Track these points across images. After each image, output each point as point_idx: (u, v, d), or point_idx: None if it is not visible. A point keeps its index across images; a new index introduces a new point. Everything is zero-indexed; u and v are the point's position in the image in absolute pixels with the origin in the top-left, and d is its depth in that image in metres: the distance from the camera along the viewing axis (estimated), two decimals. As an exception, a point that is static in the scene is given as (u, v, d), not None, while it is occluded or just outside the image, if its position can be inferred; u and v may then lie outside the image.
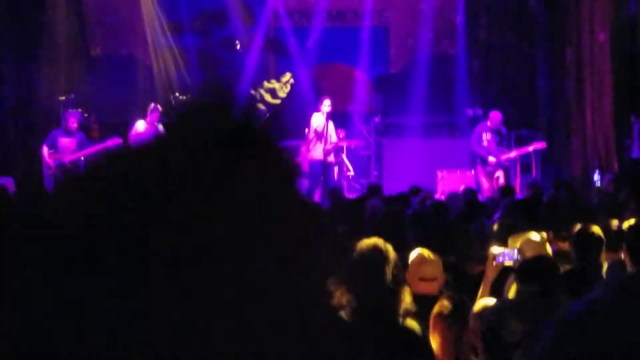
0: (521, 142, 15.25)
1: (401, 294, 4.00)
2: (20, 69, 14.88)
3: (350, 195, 12.84)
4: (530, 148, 13.83)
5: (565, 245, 6.09)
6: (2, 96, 14.63)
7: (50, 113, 14.66)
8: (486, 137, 13.64)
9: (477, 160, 13.78)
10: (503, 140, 13.69)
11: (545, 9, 15.53)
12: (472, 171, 13.87)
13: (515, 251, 4.97)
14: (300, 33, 17.00)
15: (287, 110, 16.13)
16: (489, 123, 13.72)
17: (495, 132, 13.66)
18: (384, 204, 8.23)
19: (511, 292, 4.52)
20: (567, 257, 5.92)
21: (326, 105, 13.06)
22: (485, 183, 13.47)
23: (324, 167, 13.20)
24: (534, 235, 5.34)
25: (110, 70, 16.31)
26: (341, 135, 14.82)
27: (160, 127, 13.04)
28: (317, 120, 13.13)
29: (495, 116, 13.68)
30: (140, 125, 13.39)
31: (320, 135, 13.05)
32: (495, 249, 5.01)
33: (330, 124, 13.22)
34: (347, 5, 17.22)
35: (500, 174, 13.54)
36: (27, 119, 14.91)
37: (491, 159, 13.52)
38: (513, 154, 13.72)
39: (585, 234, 5.81)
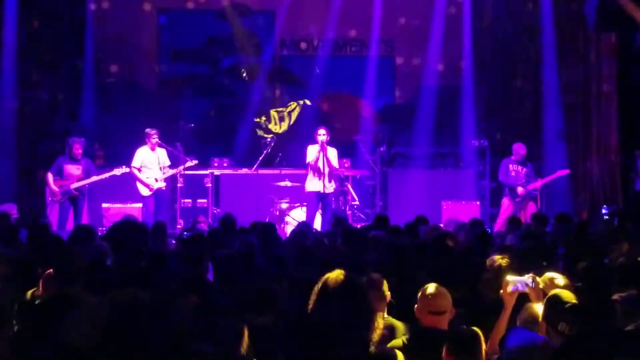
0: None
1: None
2: (27, 95, 14.88)
3: (355, 225, 12.70)
4: (555, 176, 13.89)
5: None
6: (5, 120, 14.57)
7: (54, 140, 14.61)
8: (514, 168, 13.61)
9: (505, 191, 13.70)
10: (529, 171, 13.66)
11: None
12: (504, 199, 13.70)
13: (530, 279, 4.89)
14: (306, 62, 17.01)
15: (293, 139, 16.06)
16: (513, 156, 13.68)
17: (521, 163, 13.65)
18: (390, 235, 8.13)
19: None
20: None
21: (321, 134, 12.86)
22: (505, 213, 13.37)
23: (320, 198, 13.02)
24: (559, 280, 5.17)
25: (114, 98, 16.27)
26: (346, 165, 14.74)
27: (160, 151, 13.00)
28: (312, 152, 12.93)
29: (520, 148, 13.68)
30: (141, 152, 13.28)
31: (315, 168, 12.87)
32: (509, 277, 4.93)
33: (332, 151, 13.03)
34: (354, 35, 17.24)
35: (531, 203, 13.49)
36: (32, 146, 14.86)
37: (520, 189, 13.48)
38: (538, 183, 13.66)
39: (595, 269, 5.72)
